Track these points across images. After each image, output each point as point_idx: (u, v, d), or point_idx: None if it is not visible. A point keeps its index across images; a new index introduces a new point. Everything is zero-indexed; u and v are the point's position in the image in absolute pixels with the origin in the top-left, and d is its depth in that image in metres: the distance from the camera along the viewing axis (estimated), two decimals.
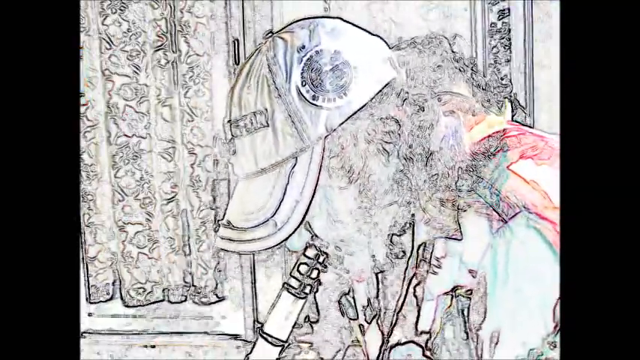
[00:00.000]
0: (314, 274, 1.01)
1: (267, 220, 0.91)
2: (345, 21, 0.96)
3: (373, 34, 0.97)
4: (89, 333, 2.45)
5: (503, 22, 2.06)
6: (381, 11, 2.09)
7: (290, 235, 0.92)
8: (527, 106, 2.05)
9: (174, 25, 2.23)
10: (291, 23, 0.96)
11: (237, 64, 2.24)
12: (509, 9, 2.05)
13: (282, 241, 0.92)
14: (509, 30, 2.06)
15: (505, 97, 1.00)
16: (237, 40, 2.23)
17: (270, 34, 0.95)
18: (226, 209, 0.98)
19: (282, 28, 0.96)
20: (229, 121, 0.95)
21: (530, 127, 1.07)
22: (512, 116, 1.02)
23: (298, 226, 0.92)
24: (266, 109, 0.91)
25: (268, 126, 0.91)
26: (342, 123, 0.91)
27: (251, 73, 0.93)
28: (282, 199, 0.91)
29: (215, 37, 2.24)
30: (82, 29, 2.23)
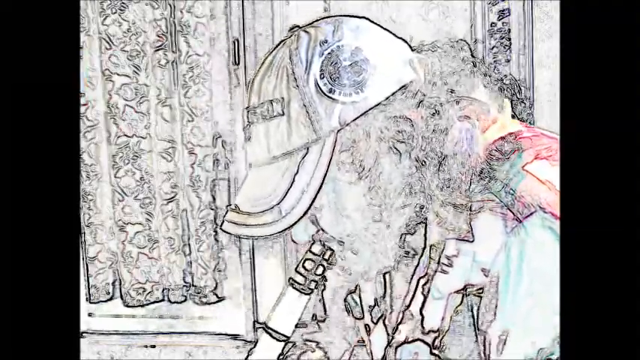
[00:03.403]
0: (319, 271, 1.01)
1: (273, 207, 0.92)
2: (371, 21, 0.97)
3: (398, 37, 0.97)
4: (89, 333, 2.45)
5: (503, 22, 2.06)
6: (381, 11, 2.09)
7: (293, 225, 0.92)
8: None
9: (175, 25, 2.23)
10: (319, 19, 0.97)
11: (237, 64, 2.24)
12: (509, 9, 2.05)
13: (284, 229, 0.93)
14: (509, 30, 2.06)
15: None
16: (237, 40, 2.23)
17: (295, 28, 0.97)
18: (228, 204, 0.99)
19: (309, 23, 0.97)
20: (247, 108, 0.96)
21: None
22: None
23: (302, 216, 0.92)
24: (283, 98, 0.92)
25: (283, 114, 0.92)
26: (356, 118, 0.91)
27: (273, 64, 0.94)
28: (290, 188, 0.92)
29: (215, 37, 2.24)
30: (82, 29, 2.23)
